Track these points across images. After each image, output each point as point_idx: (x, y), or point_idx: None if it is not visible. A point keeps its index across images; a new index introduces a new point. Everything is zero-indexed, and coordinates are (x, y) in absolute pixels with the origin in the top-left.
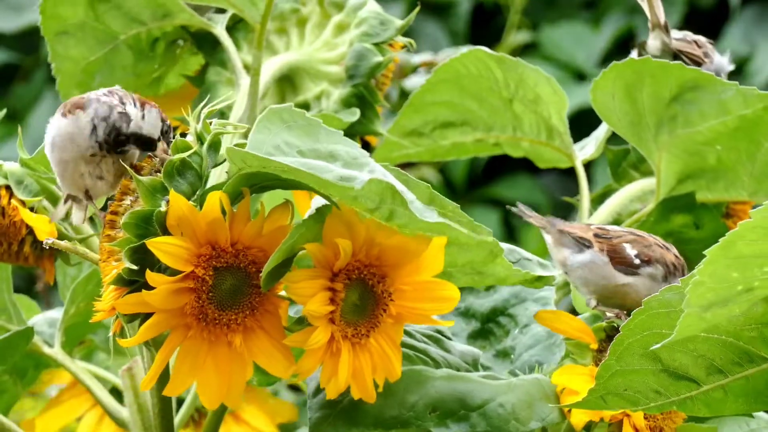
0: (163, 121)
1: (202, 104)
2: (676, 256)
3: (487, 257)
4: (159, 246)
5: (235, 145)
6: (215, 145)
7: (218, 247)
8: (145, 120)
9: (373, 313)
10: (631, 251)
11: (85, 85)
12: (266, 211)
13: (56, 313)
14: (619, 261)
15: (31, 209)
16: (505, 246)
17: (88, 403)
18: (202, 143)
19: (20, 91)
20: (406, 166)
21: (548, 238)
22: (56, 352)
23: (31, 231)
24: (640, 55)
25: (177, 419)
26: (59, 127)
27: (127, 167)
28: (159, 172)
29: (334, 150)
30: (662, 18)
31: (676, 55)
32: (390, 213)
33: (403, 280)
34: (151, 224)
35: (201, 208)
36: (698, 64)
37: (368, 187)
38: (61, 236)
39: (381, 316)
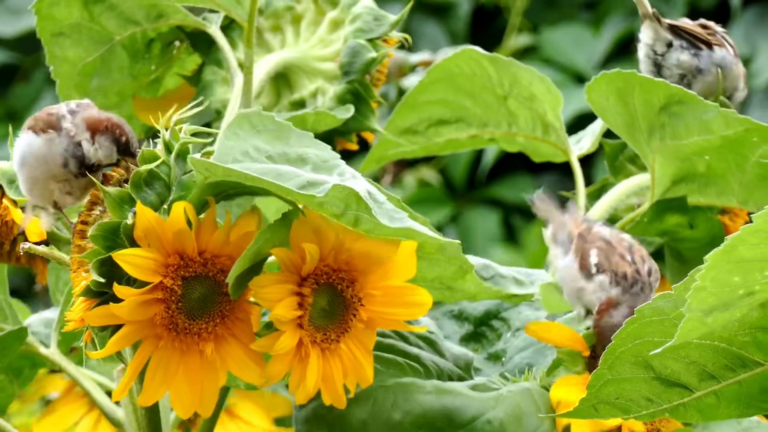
0: (117, 140)
1: (170, 111)
2: (638, 272)
3: (456, 272)
4: (126, 258)
5: (204, 153)
6: (183, 154)
7: (186, 257)
8: (99, 151)
9: (343, 318)
10: (593, 258)
11: (82, 87)
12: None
13: (51, 314)
14: (583, 266)
15: (23, 209)
16: (479, 261)
17: (84, 408)
18: (170, 152)
19: (20, 92)
20: (405, 166)
21: (548, 233)
22: (52, 352)
23: (22, 231)
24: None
25: (171, 418)
26: (31, 145)
27: (95, 180)
28: (127, 182)
29: (303, 153)
30: (649, 8)
31: (670, 43)
32: (355, 219)
33: (373, 285)
34: (118, 236)
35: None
36: (706, 43)
37: (332, 194)
38: (53, 237)
39: (351, 321)
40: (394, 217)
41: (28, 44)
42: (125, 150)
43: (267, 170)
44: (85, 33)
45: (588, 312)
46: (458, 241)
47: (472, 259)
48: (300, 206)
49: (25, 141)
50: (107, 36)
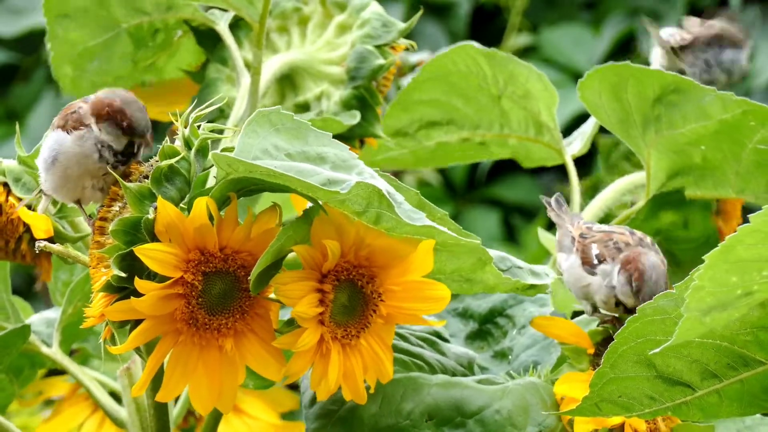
0: (119, 125)
1: (189, 108)
2: (641, 239)
3: (475, 264)
4: (147, 253)
5: (223, 150)
6: (203, 150)
7: (207, 252)
8: (106, 136)
9: (363, 313)
10: (594, 251)
11: (78, 65)
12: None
13: (53, 313)
14: (586, 261)
15: (29, 207)
16: (496, 253)
17: (88, 410)
18: (190, 148)
19: (20, 92)
20: None
21: (557, 236)
22: (54, 352)
23: (28, 229)
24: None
25: (174, 414)
26: (61, 143)
27: (116, 174)
28: (147, 177)
29: (322, 152)
30: None
31: (709, 42)
32: (377, 216)
33: (392, 281)
34: (139, 231)
35: (190, 213)
36: (738, 46)
37: (355, 191)
38: (59, 234)
39: (371, 316)
40: (413, 216)
41: (28, 44)
42: (131, 132)
43: (288, 167)
44: (92, 17)
45: (595, 309)
46: (478, 238)
47: (490, 251)
48: (321, 203)
49: (55, 139)
50: (114, 22)
